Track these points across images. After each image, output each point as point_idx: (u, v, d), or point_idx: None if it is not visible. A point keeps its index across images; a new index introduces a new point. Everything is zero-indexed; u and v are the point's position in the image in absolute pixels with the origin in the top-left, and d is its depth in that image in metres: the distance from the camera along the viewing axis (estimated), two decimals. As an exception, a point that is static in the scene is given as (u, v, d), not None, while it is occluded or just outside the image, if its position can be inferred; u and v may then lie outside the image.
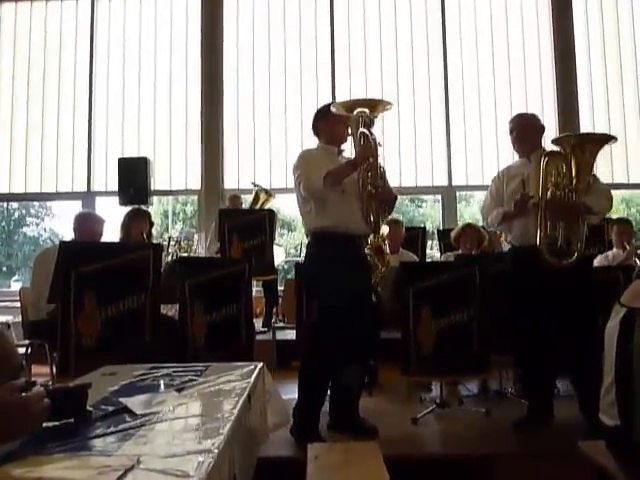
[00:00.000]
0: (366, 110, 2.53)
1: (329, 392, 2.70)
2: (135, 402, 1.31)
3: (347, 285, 2.51)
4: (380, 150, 2.56)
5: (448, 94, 6.37)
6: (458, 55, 6.43)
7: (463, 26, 6.47)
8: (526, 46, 6.45)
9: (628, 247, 4.00)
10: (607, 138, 2.76)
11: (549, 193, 2.62)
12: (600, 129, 6.10)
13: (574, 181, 2.60)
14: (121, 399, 1.34)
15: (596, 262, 3.87)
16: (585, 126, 6.18)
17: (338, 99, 6.02)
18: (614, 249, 4.13)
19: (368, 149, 2.51)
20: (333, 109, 2.62)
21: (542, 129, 2.91)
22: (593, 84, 6.38)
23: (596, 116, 6.32)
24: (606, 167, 5.74)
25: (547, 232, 2.61)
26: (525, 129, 2.85)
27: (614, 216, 4.96)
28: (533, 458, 2.34)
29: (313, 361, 2.60)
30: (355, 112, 2.53)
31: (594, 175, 2.72)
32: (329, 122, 2.71)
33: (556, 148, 2.75)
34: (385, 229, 4.07)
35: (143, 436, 1.07)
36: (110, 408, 1.27)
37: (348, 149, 2.79)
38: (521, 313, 2.73)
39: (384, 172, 2.62)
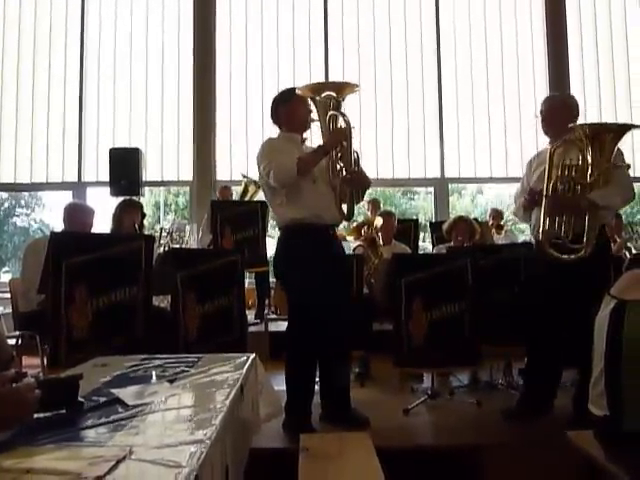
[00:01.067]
0: (333, 93, 2.41)
1: (318, 384, 2.69)
2: (127, 393, 1.31)
3: (323, 279, 2.45)
4: (353, 133, 2.43)
5: (441, 87, 6.38)
6: (452, 47, 6.43)
7: (456, 19, 6.47)
8: (519, 38, 6.47)
9: (618, 240, 4.04)
10: (624, 128, 2.53)
11: (551, 186, 2.49)
12: (591, 119, 6.17)
13: (588, 173, 2.44)
14: (113, 390, 1.33)
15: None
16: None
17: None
18: (604, 242, 4.17)
19: (341, 132, 2.41)
20: (299, 92, 2.49)
21: (575, 111, 2.71)
22: (585, 74, 6.43)
23: (588, 105, 6.36)
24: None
25: (547, 227, 2.51)
26: (554, 111, 2.68)
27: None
28: (522, 448, 2.36)
29: (294, 357, 2.56)
30: (322, 95, 2.41)
31: (615, 165, 2.50)
32: (291, 107, 2.57)
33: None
34: (379, 221, 4.10)
35: (135, 427, 1.07)
36: (102, 399, 1.27)
37: (310, 139, 2.69)
38: (533, 305, 2.69)
39: (358, 157, 2.50)
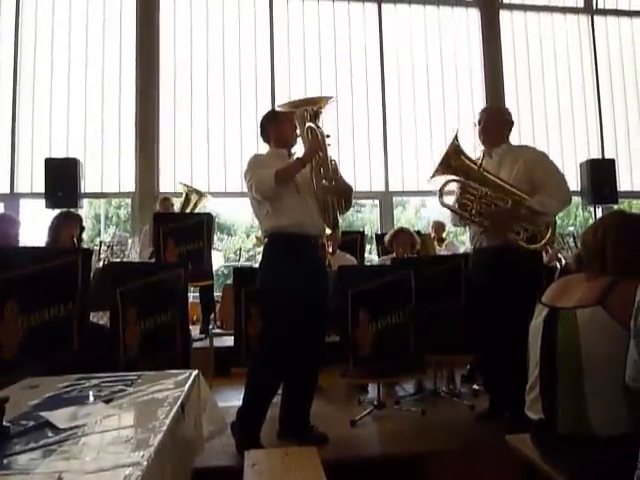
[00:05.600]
0: (310, 108, 2.53)
1: (282, 399, 2.65)
2: (58, 416, 1.24)
3: (305, 288, 2.47)
4: (328, 141, 2.54)
5: (385, 105, 6.57)
6: (395, 66, 6.64)
7: (399, 39, 6.70)
8: (458, 60, 6.79)
9: (550, 250, 4.25)
10: (454, 148, 2.74)
11: (474, 213, 2.70)
12: (525, 141, 6.59)
13: (488, 192, 2.66)
14: (42, 413, 1.26)
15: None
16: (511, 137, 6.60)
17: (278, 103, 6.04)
18: (538, 252, 4.38)
19: (315, 143, 2.50)
20: (278, 108, 2.62)
21: (509, 124, 2.88)
22: (519, 99, 6.83)
23: (522, 129, 6.75)
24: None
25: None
26: (491, 121, 2.83)
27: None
28: (464, 453, 2.43)
29: (265, 366, 2.51)
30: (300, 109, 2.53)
31: (551, 171, 2.72)
32: (276, 124, 2.69)
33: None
34: (328, 229, 4.15)
35: (66, 451, 1.01)
36: (30, 423, 1.20)
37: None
38: (478, 311, 2.78)
39: (336, 165, 2.60)
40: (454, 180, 2.74)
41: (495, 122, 2.84)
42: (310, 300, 2.50)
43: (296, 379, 2.59)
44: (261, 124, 2.78)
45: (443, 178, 2.78)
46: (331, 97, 2.66)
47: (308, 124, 2.52)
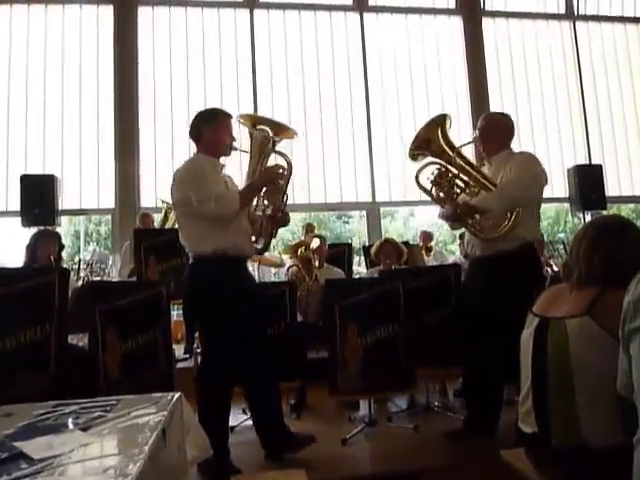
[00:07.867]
0: (267, 129, 2.47)
1: (252, 419, 2.60)
2: (33, 446, 1.17)
3: (240, 309, 2.39)
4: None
5: (370, 114, 6.59)
6: (379, 77, 6.67)
7: (382, 50, 6.76)
8: (442, 68, 6.84)
9: (540, 258, 4.27)
10: (437, 121, 2.78)
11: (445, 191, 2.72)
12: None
13: (468, 181, 2.68)
14: (16, 443, 1.19)
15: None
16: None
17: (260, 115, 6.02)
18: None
19: (275, 172, 2.46)
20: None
21: (510, 131, 2.81)
22: (504, 106, 6.87)
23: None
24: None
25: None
26: (489, 129, 2.77)
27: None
28: (459, 470, 2.38)
29: (206, 390, 2.45)
30: (258, 128, 2.47)
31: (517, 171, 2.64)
32: (216, 131, 2.48)
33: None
34: (315, 242, 4.12)
35: (40, 485, 0.95)
36: (3, 454, 1.13)
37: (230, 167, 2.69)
38: (471, 322, 2.72)
39: (287, 197, 2.56)
40: (433, 162, 2.76)
41: (493, 130, 2.77)
42: (251, 318, 2.44)
43: (255, 393, 2.53)
44: (195, 121, 2.53)
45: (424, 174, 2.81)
46: (295, 132, 2.59)
47: (272, 150, 2.46)
